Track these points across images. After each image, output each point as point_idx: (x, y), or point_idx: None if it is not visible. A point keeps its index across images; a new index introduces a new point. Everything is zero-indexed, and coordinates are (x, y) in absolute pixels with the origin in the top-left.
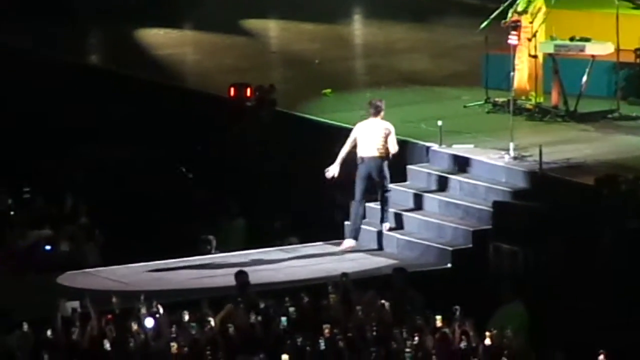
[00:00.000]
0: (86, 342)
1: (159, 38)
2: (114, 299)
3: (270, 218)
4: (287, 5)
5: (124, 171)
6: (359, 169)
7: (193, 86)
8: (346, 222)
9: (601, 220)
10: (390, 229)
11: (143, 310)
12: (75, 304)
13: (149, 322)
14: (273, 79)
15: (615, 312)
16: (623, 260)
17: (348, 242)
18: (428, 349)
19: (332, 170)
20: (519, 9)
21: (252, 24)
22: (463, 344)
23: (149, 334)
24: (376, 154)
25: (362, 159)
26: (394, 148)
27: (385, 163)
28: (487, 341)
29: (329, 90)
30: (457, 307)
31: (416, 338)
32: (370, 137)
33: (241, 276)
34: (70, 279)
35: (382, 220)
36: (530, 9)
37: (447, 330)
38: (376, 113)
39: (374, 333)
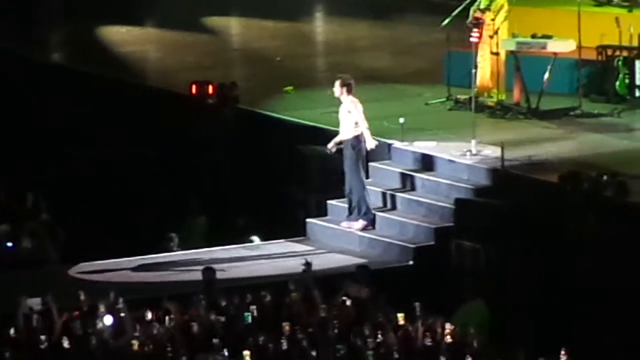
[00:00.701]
0: (47, 340)
1: (121, 35)
2: (82, 296)
3: (233, 216)
4: (248, 2)
5: (87, 169)
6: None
7: (155, 84)
8: (308, 219)
9: (563, 217)
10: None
11: (103, 309)
12: (37, 300)
13: (108, 320)
14: (235, 77)
15: (577, 308)
16: (585, 258)
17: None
18: (390, 346)
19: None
20: (482, 6)
21: (214, 21)
22: (428, 341)
23: (108, 332)
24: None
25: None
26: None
27: None
28: (449, 338)
29: (290, 88)
30: (417, 303)
31: (379, 335)
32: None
33: (208, 273)
34: (32, 275)
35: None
36: (492, 6)
37: (409, 327)
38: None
39: (336, 330)
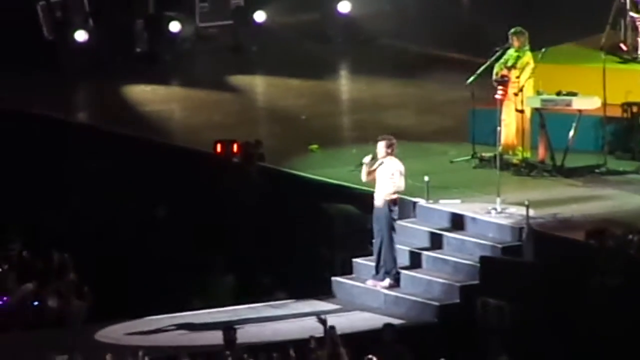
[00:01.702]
0: None
1: (146, 94)
2: (107, 356)
3: (259, 274)
4: (274, 61)
5: (111, 227)
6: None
7: (180, 142)
8: (333, 278)
9: (588, 275)
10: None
11: None
12: (64, 358)
13: None
14: (260, 135)
15: None
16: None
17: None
18: None
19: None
20: (508, 64)
21: (239, 79)
22: None
23: None
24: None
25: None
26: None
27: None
28: None
29: (315, 146)
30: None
31: None
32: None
33: (229, 333)
34: (58, 335)
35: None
36: (518, 64)
37: None
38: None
39: None
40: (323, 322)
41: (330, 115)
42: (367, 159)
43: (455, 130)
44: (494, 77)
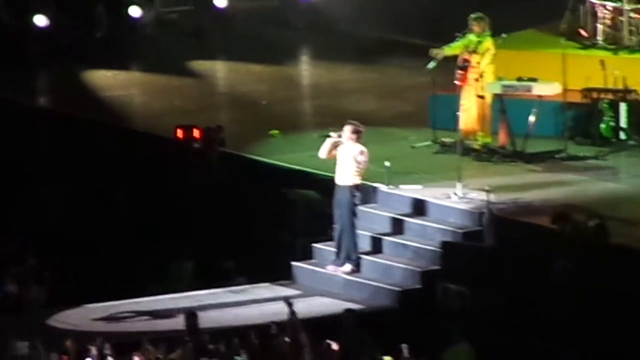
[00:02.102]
0: None
1: (106, 79)
2: (68, 342)
3: (219, 260)
4: (235, 46)
5: (72, 212)
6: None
7: (141, 128)
8: (294, 263)
9: (549, 259)
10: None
11: (94, 352)
12: (24, 344)
13: None
14: (221, 121)
15: (562, 350)
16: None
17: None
18: None
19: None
20: (469, 49)
21: (200, 65)
22: None
23: None
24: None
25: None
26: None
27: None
28: None
29: (276, 131)
30: (404, 345)
31: None
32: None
33: (190, 318)
34: (18, 320)
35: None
36: (478, 49)
37: None
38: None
39: None
40: (289, 304)
41: (291, 101)
42: (334, 134)
43: (416, 115)
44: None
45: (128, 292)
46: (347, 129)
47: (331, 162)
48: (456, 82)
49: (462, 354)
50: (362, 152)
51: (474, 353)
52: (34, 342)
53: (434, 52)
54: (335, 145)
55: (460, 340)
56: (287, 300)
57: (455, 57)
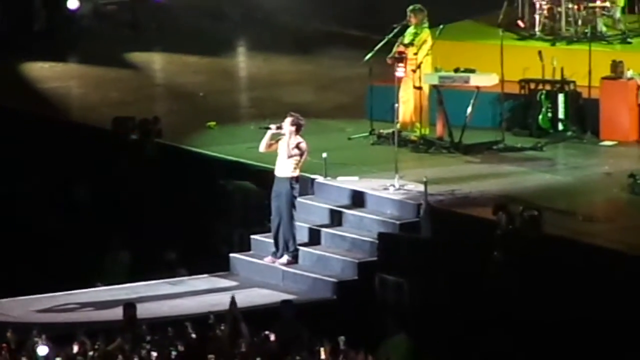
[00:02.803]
0: None
1: (43, 72)
2: (9, 333)
3: (156, 251)
4: (171, 38)
5: (8, 204)
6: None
7: (78, 119)
8: (231, 254)
9: (485, 251)
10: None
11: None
12: None
13: (43, 350)
14: (158, 112)
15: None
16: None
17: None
18: None
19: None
20: (405, 41)
21: (137, 57)
22: None
23: None
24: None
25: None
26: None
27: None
28: None
29: (213, 123)
30: (342, 337)
31: None
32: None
33: (129, 309)
34: None
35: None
36: (415, 41)
37: None
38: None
39: None
40: (233, 301)
41: (227, 92)
42: (273, 126)
43: (353, 107)
44: (391, 54)
45: (64, 285)
46: (288, 121)
47: (267, 154)
48: (397, 74)
49: (400, 346)
50: (299, 144)
51: (412, 344)
52: None
53: (388, 59)
54: (274, 138)
55: (397, 332)
56: (233, 297)
57: (390, 48)
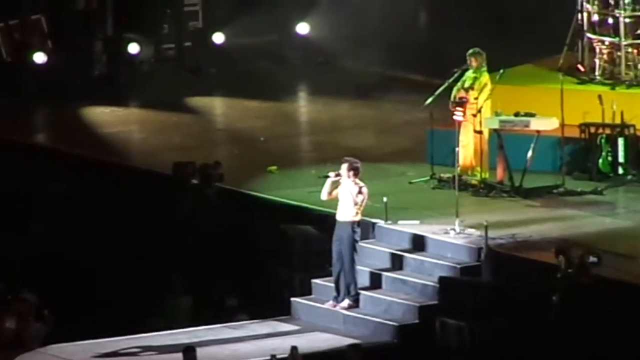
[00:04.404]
0: None
1: (104, 116)
2: None
3: (217, 295)
4: (232, 83)
5: (71, 248)
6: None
7: (139, 164)
8: (292, 299)
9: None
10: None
11: None
12: None
13: None
14: (219, 156)
15: None
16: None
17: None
18: None
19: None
20: (466, 85)
21: (198, 101)
22: None
23: None
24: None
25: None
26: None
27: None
28: None
29: (274, 167)
30: None
31: None
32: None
33: (189, 354)
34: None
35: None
36: (475, 85)
37: None
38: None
39: None
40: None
41: (288, 137)
42: (332, 174)
43: (413, 151)
44: (451, 99)
45: (126, 329)
46: (344, 167)
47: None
48: (455, 117)
49: None
50: (361, 189)
51: None
52: None
53: (451, 105)
54: (335, 185)
55: None
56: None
57: (450, 92)
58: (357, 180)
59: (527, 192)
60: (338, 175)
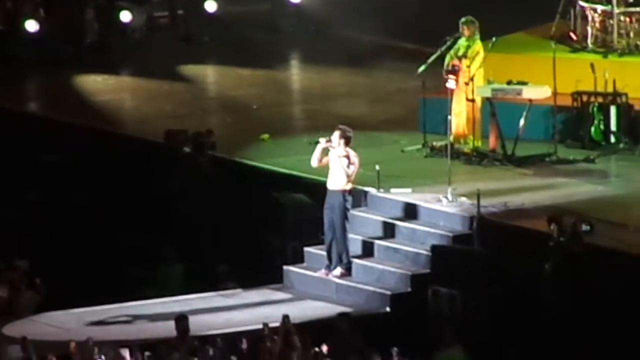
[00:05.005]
0: None
1: (96, 84)
2: (72, 344)
3: (209, 263)
4: (224, 51)
5: (62, 217)
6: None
7: (131, 132)
8: (285, 267)
9: (539, 262)
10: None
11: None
12: (16, 347)
13: None
14: (212, 125)
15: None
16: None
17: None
18: None
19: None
20: (459, 53)
21: (190, 69)
22: None
23: None
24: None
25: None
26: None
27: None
28: None
29: (266, 136)
30: (395, 349)
31: None
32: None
33: (182, 322)
34: (10, 325)
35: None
36: (468, 53)
37: None
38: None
39: None
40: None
41: (281, 105)
42: (323, 140)
43: (406, 119)
44: (444, 67)
45: (118, 297)
46: (336, 135)
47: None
48: (448, 85)
49: (454, 358)
50: (352, 157)
51: (466, 356)
52: (25, 345)
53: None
54: (325, 152)
55: (452, 344)
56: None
57: (443, 60)
58: (348, 149)
59: (519, 161)
60: (329, 141)
